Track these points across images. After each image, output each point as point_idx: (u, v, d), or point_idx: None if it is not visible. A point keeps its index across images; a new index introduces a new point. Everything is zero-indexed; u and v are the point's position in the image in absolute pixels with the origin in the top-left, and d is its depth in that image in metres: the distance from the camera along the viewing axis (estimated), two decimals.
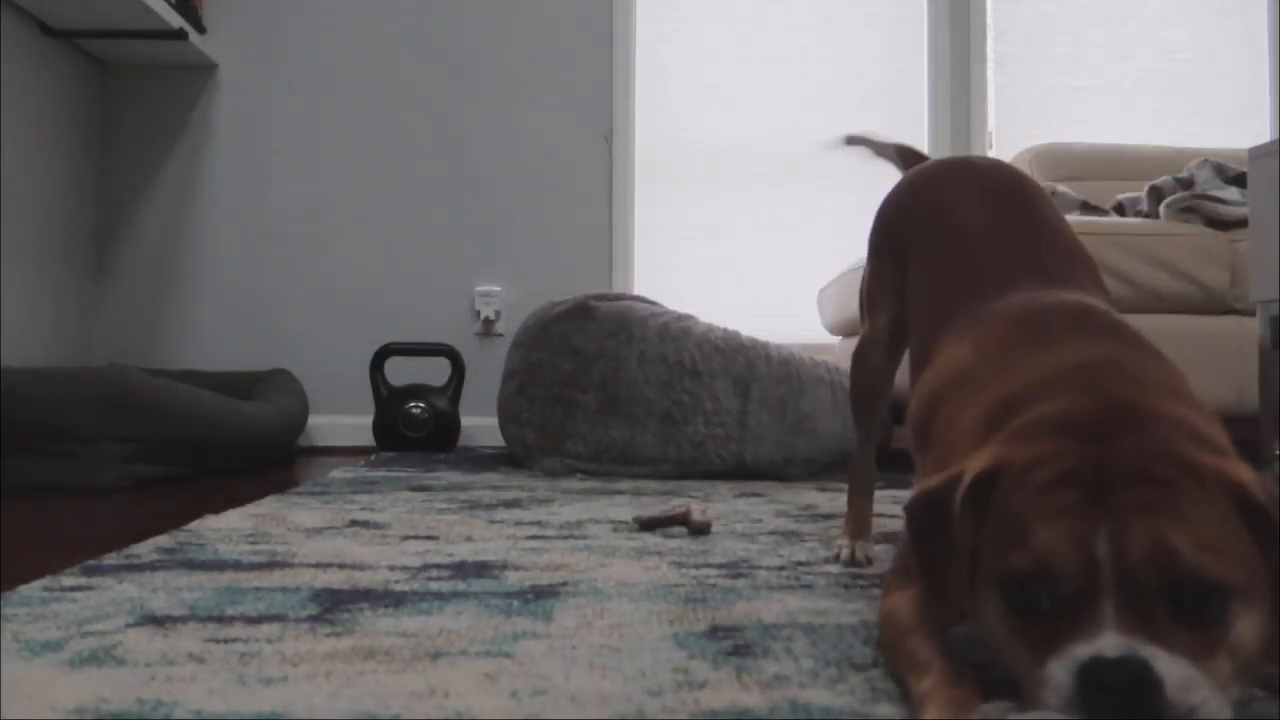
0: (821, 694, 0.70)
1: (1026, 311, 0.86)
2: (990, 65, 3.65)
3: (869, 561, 1.22)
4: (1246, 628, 0.57)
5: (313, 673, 0.74)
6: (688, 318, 2.57)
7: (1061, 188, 2.94)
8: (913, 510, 0.70)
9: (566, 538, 1.42)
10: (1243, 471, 0.60)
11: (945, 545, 0.65)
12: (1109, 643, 0.54)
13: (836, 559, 1.25)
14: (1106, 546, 0.57)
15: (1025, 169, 2.86)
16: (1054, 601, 0.58)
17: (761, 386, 2.46)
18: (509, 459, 2.65)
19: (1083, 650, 0.55)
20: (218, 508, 1.60)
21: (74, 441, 2.11)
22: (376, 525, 1.50)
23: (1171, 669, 0.53)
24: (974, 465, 0.66)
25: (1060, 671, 0.55)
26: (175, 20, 3.10)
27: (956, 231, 1.04)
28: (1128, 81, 3.65)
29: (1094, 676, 0.54)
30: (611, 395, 2.44)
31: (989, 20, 3.65)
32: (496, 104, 3.47)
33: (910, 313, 1.11)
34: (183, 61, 3.35)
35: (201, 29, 3.31)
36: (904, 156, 1.39)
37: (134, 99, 3.40)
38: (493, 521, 1.57)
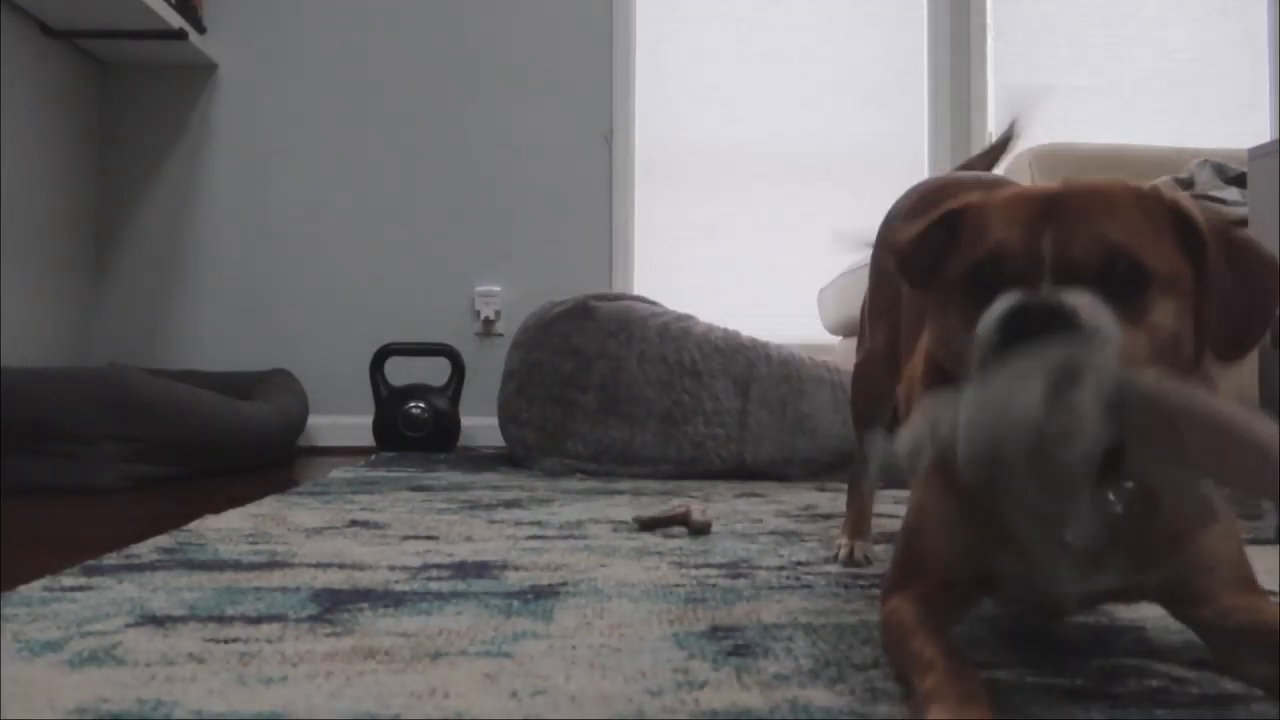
0: (821, 694, 0.70)
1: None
2: (990, 65, 3.64)
3: (868, 561, 1.22)
4: (1166, 310, 0.66)
5: (313, 673, 0.74)
6: (688, 318, 2.57)
7: None
8: (906, 245, 0.79)
9: (566, 538, 1.42)
10: (1181, 197, 0.70)
11: (917, 241, 0.77)
12: (1039, 291, 0.65)
13: (835, 558, 1.25)
14: (1050, 238, 0.67)
15: (1025, 169, 2.86)
16: (1003, 283, 0.67)
17: (761, 386, 2.46)
18: (509, 459, 2.65)
19: (1014, 297, 0.65)
20: (218, 508, 1.60)
21: (74, 441, 2.11)
22: (376, 525, 1.50)
23: (1089, 305, 0.63)
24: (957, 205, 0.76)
25: (990, 312, 0.65)
26: (175, 20, 3.10)
27: None
28: (1128, 81, 3.65)
29: (1018, 310, 0.63)
30: (611, 395, 2.44)
31: (989, 20, 3.65)
32: (496, 104, 3.47)
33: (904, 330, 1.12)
34: (183, 61, 3.35)
35: (201, 29, 3.31)
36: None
37: (134, 99, 3.40)
38: (493, 521, 1.57)
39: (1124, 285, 0.65)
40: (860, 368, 1.29)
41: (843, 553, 1.25)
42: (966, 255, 0.71)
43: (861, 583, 1.11)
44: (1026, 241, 0.68)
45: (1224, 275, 0.68)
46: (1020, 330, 0.62)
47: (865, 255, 3.22)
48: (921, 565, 0.79)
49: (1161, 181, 2.74)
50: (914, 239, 0.79)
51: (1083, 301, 0.63)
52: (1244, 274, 0.68)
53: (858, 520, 1.32)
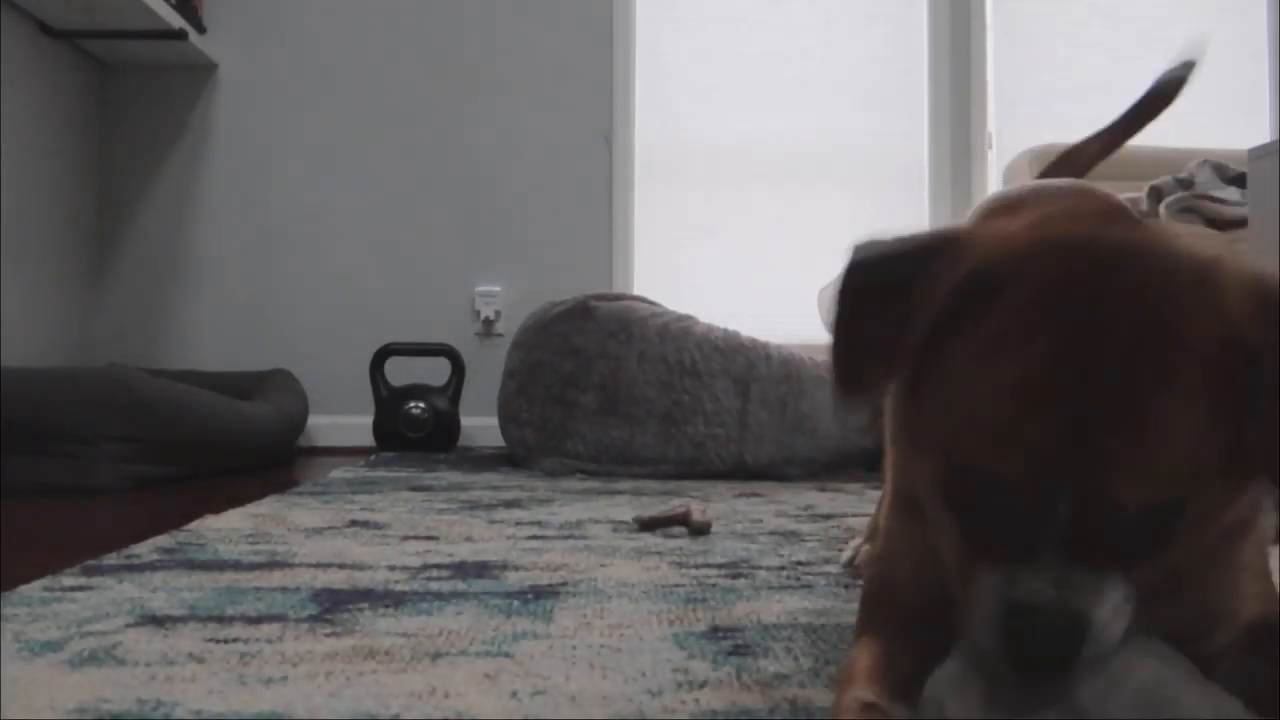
0: (821, 694, 0.70)
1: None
2: (990, 65, 3.64)
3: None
4: (1203, 520, 0.53)
5: (313, 673, 0.74)
6: (688, 318, 2.57)
7: None
8: (860, 271, 0.58)
9: (566, 538, 1.42)
10: (1262, 279, 0.51)
11: (883, 327, 0.56)
12: (1045, 590, 0.50)
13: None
14: (1072, 462, 0.49)
15: (1025, 169, 2.86)
16: (995, 503, 0.52)
17: (761, 386, 2.46)
18: (509, 459, 2.65)
19: (1014, 585, 0.51)
20: (218, 508, 1.60)
21: (74, 441, 2.11)
22: (376, 525, 1.50)
23: (1104, 614, 0.51)
24: (980, 238, 0.55)
25: (987, 597, 0.52)
26: (175, 20, 3.10)
27: None
28: (1128, 81, 3.64)
29: (1021, 621, 0.51)
30: (611, 395, 2.44)
31: (989, 20, 3.65)
32: (497, 104, 3.47)
33: None
34: (183, 61, 3.35)
35: (201, 29, 3.31)
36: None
37: (134, 99, 3.40)
38: (493, 521, 1.57)
39: (1152, 530, 0.52)
40: None
41: (846, 554, 1.22)
42: (959, 422, 0.53)
43: (862, 583, 1.11)
44: (1041, 469, 0.50)
45: None
46: (1021, 638, 0.51)
47: None
48: (888, 603, 0.69)
49: (1161, 182, 2.75)
50: (880, 266, 0.58)
51: (1101, 613, 0.51)
52: None
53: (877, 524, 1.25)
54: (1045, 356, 0.50)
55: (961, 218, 0.95)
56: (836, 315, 0.60)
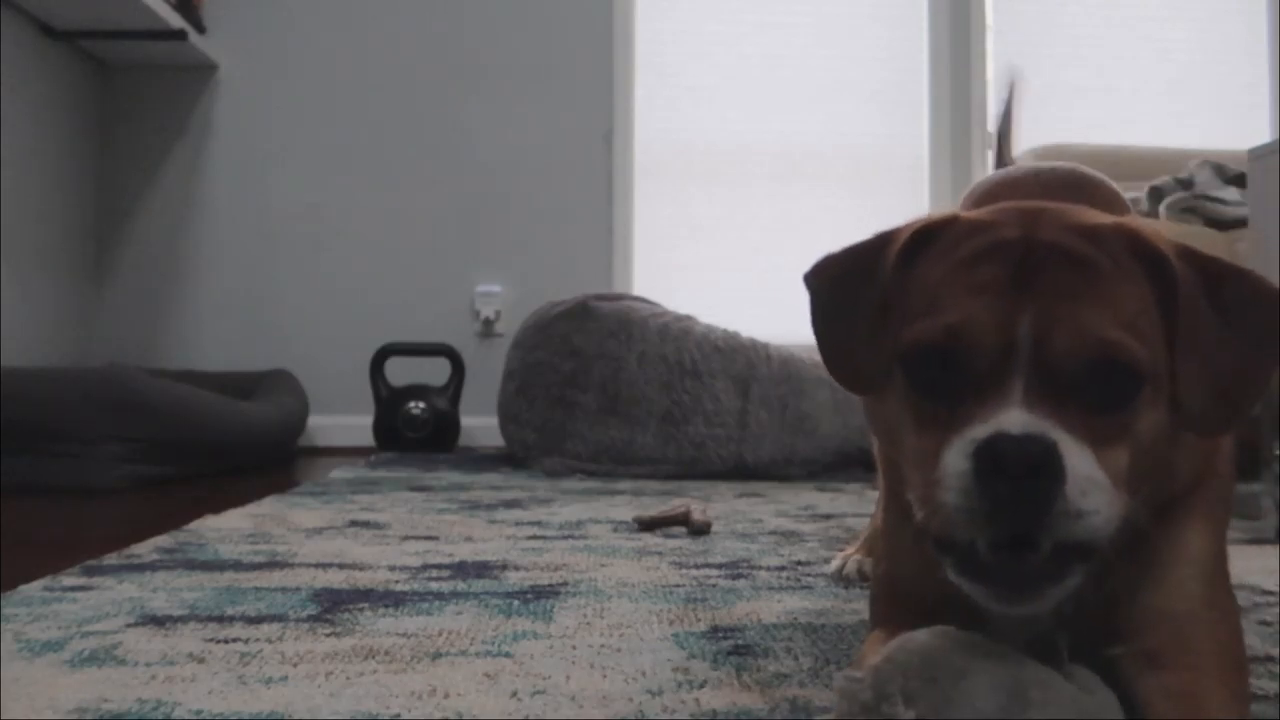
0: (821, 694, 0.70)
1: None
2: (990, 65, 3.64)
3: (861, 578, 1.11)
4: (1149, 417, 0.54)
5: (313, 673, 0.74)
6: (688, 318, 2.57)
7: None
8: (826, 270, 0.64)
9: (566, 538, 1.42)
10: (1149, 229, 0.58)
11: (862, 313, 0.60)
12: (1013, 418, 0.51)
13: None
14: (1029, 324, 0.53)
15: None
16: (959, 379, 0.54)
17: (761, 386, 2.46)
18: (509, 459, 2.65)
19: (983, 429, 0.51)
20: (218, 508, 1.60)
21: (74, 441, 2.11)
22: (376, 525, 1.50)
23: (1077, 462, 0.50)
24: (915, 223, 0.61)
25: (956, 453, 0.51)
26: (175, 20, 3.10)
27: None
28: (1128, 81, 3.65)
29: (992, 453, 0.50)
30: (611, 395, 2.44)
31: (989, 20, 3.65)
32: (497, 104, 3.47)
33: None
34: (183, 61, 3.35)
35: (201, 29, 3.31)
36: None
37: (134, 99, 3.40)
38: (493, 521, 1.57)
39: (1111, 390, 0.53)
40: None
41: (834, 564, 1.16)
42: (915, 321, 0.56)
43: (862, 584, 1.11)
44: (998, 325, 0.53)
45: (1207, 325, 0.56)
46: (995, 471, 0.50)
47: None
48: (895, 597, 0.69)
49: (1161, 182, 2.75)
50: (835, 270, 0.63)
51: (1076, 465, 0.50)
52: (1233, 318, 0.56)
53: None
54: (986, 249, 0.56)
55: None
56: (814, 320, 0.64)
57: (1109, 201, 0.80)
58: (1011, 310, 0.54)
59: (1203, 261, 0.58)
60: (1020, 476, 0.49)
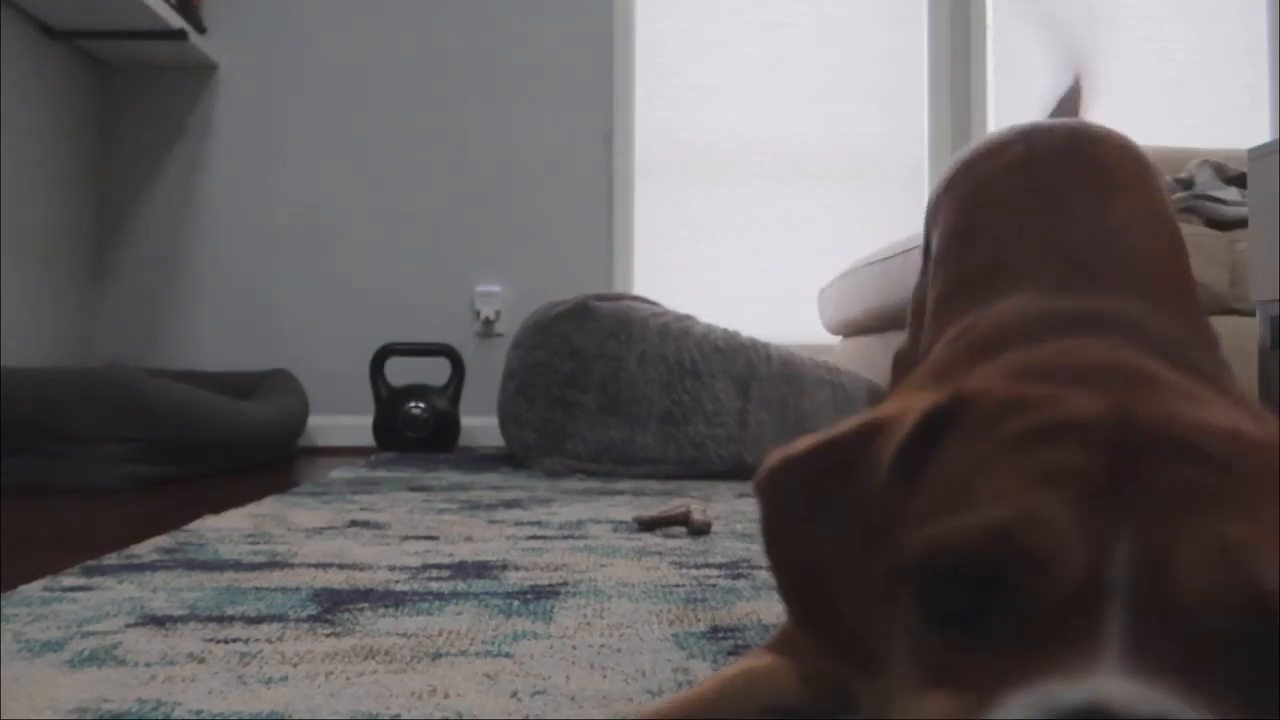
0: None
1: (1019, 317, 0.59)
2: (990, 65, 3.64)
3: None
4: None
5: (313, 673, 0.74)
6: (688, 318, 2.57)
7: None
8: (784, 476, 0.43)
9: (566, 538, 1.42)
10: None
11: (839, 539, 0.40)
12: (1112, 684, 0.30)
13: None
14: (1130, 542, 0.32)
15: None
16: (1009, 616, 0.33)
17: (761, 386, 2.46)
18: (509, 459, 2.65)
19: (1065, 691, 0.30)
20: (218, 508, 1.60)
21: (75, 442, 2.11)
22: (376, 525, 1.50)
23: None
24: (919, 401, 0.41)
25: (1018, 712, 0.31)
26: (175, 20, 3.10)
27: (978, 223, 0.76)
28: (1128, 81, 3.65)
29: None
30: (611, 395, 2.44)
31: (989, 20, 3.65)
32: (497, 104, 3.47)
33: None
34: (183, 61, 3.35)
35: (201, 29, 3.31)
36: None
37: (134, 99, 3.40)
38: (493, 521, 1.57)
39: (1261, 658, 0.32)
40: (892, 366, 1.01)
41: None
42: (934, 519, 0.36)
43: None
44: (1080, 532, 0.33)
45: None
46: None
47: (865, 255, 3.20)
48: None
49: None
50: (799, 475, 0.43)
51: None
52: None
53: None
54: (1052, 427, 0.37)
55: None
56: (768, 549, 0.44)
57: (1119, 163, 0.74)
58: (1103, 513, 0.33)
59: None
60: None
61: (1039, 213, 0.71)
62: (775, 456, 0.44)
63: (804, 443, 0.44)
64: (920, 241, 0.93)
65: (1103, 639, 0.31)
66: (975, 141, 0.88)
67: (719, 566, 1.20)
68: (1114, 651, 0.31)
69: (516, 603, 0.99)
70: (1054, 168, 0.76)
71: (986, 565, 0.34)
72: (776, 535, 0.44)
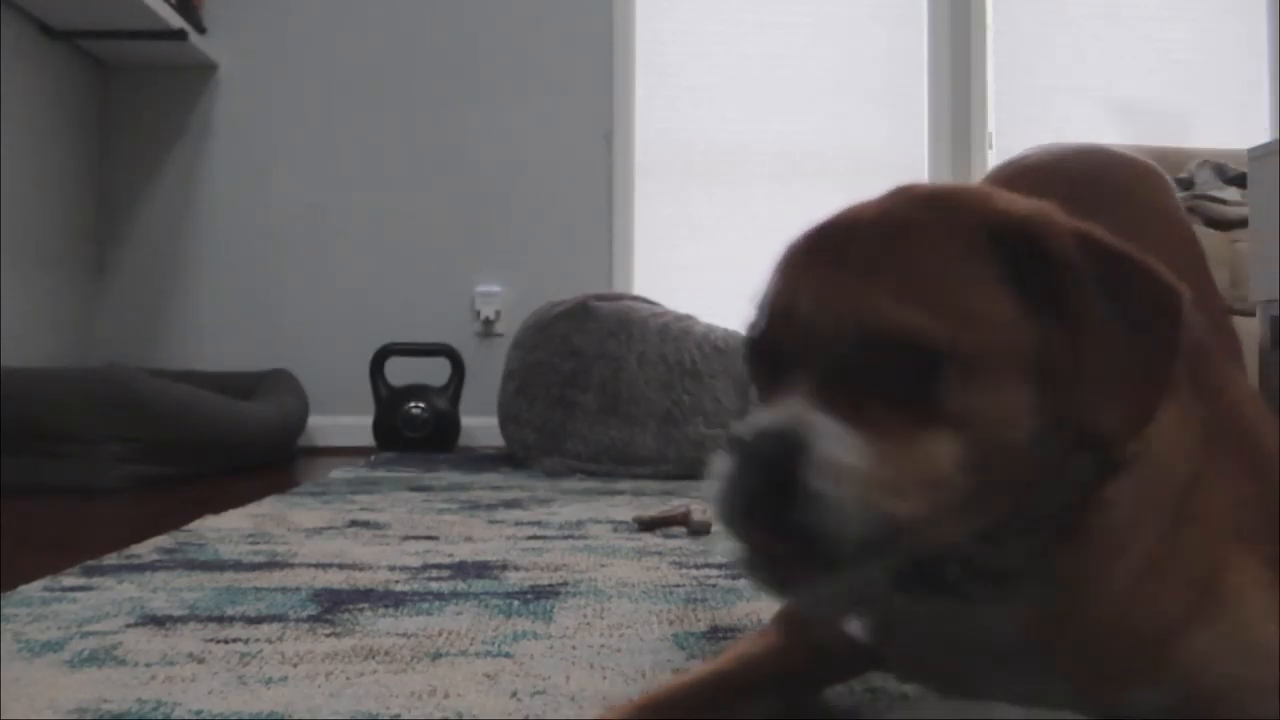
0: (820, 694, 0.70)
1: None
2: (990, 65, 3.64)
3: None
4: (974, 402, 0.46)
5: (313, 673, 0.74)
6: (688, 318, 2.57)
7: None
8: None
9: (566, 538, 1.42)
10: (1031, 211, 0.50)
11: None
12: (773, 412, 0.48)
13: None
14: (809, 305, 0.49)
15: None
16: (771, 368, 0.52)
17: None
18: (509, 459, 2.65)
19: (745, 427, 0.48)
20: (218, 508, 1.60)
21: (75, 441, 2.11)
22: (376, 525, 1.50)
23: (831, 449, 0.46)
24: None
25: (722, 453, 0.48)
26: (175, 20, 3.10)
27: None
28: (1128, 81, 3.65)
29: (742, 450, 0.47)
30: (611, 395, 2.44)
31: (989, 20, 3.65)
32: (496, 104, 3.47)
33: None
34: (183, 61, 3.35)
35: (201, 29, 3.31)
36: None
37: (134, 99, 3.40)
38: (493, 521, 1.57)
39: (904, 377, 0.47)
40: None
41: None
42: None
43: None
44: (784, 313, 0.51)
45: (1103, 320, 0.48)
46: (742, 474, 0.47)
47: None
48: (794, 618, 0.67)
49: None
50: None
51: (829, 445, 0.46)
52: (1133, 311, 0.48)
53: None
54: (823, 227, 0.56)
55: None
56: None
57: (1132, 184, 0.76)
58: (798, 289, 0.51)
59: (1104, 251, 0.50)
60: (759, 472, 0.46)
61: None
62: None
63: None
64: None
65: (794, 380, 0.49)
66: (1006, 158, 0.91)
67: (719, 566, 1.20)
68: (801, 387, 0.48)
69: (516, 603, 0.99)
70: (1074, 188, 0.77)
71: (758, 337, 0.53)
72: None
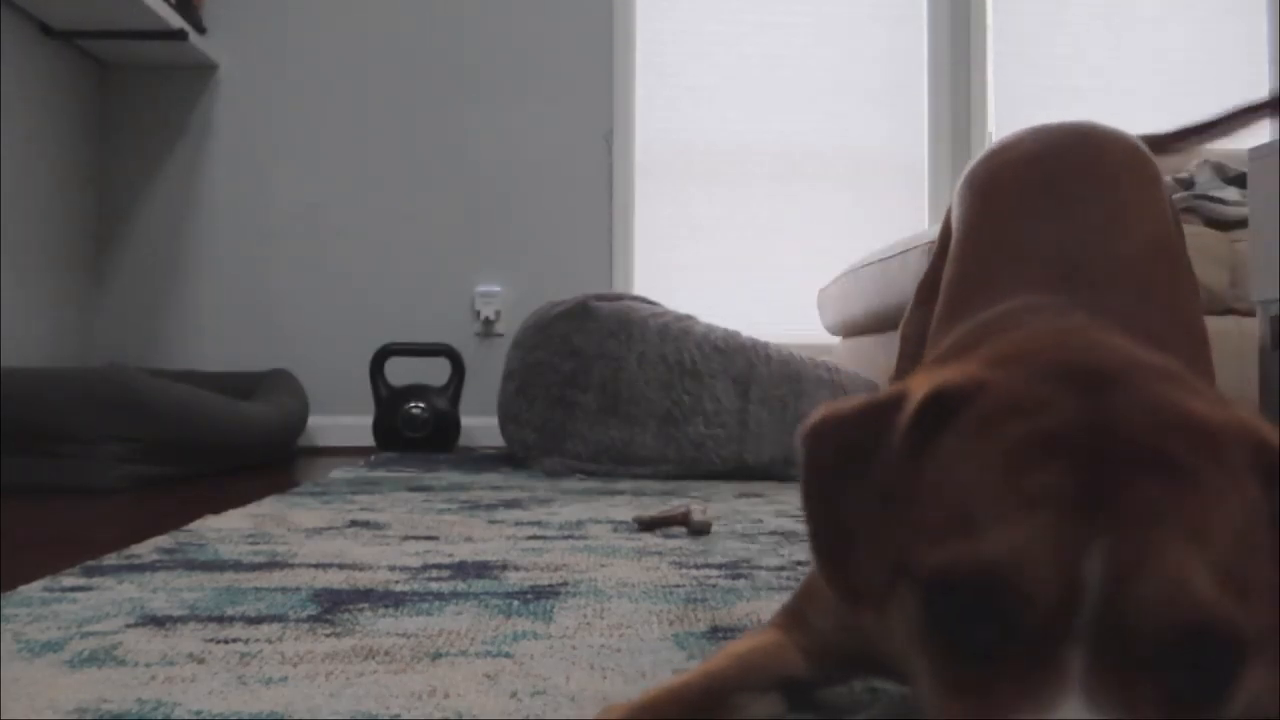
0: (820, 694, 0.70)
1: (1015, 307, 0.64)
2: (990, 65, 3.64)
3: None
4: (1248, 687, 0.39)
5: (313, 673, 0.74)
6: (688, 318, 2.57)
7: None
8: (821, 434, 0.49)
9: (566, 538, 1.42)
10: (1265, 427, 0.42)
11: (864, 501, 0.45)
12: (1068, 713, 0.36)
13: None
14: (1100, 570, 0.37)
15: None
16: (998, 632, 0.38)
17: (761, 386, 2.45)
18: (509, 459, 2.65)
19: None
20: (218, 508, 1.60)
21: (75, 442, 2.11)
22: (376, 525, 1.50)
23: None
24: (934, 378, 0.46)
25: None
26: (175, 20, 3.10)
27: (990, 210, 0.82)
28: (1128, 81, 3.65)
29: None
30: (611, 395, 2.44)
31: (989, 20, 3.65)
32: (496, 104, 3.47)
33: None
34: (183, 61, 3.35)
35: (201, 29, 3.31)
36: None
37: (134, 99, 3.40)
38: (493, 521, 1.57)
39: (1204, 670, 0.38)
40: (906, 334, 1.06)
41: None
42: (941, 540, 0.41)
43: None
44: (1060, 564, 0.37)
45: None
46: None
47: (865, 255, 3.20)
48: (808, 615, 0.65)
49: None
50: (838, 436, 0.48)
51: None
52: None
53: None
54: (1038, 439, 0.41)
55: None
56: (805, 497, 0.49)
57: (1122, 160, 0.77)
58: (1078, 542, 0.38)
59: None
60: None
61: (1042, 206, 0.76)
62: (822, 411, 0.50)
63: (849, 403, 0.49)
64: (922, 236, 0.99)
65: (1068, 664, 0.37)
66: (990, 145, 0.93)
67: (719, 566, 1.20)
68: (1076, 675, 0.37)
69: (516, 603, 0.99)
70: (1060, 163, 0.81)
71: (983, 592, 0.39)
72: (812, 484, 0.49)
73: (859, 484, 0.46)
